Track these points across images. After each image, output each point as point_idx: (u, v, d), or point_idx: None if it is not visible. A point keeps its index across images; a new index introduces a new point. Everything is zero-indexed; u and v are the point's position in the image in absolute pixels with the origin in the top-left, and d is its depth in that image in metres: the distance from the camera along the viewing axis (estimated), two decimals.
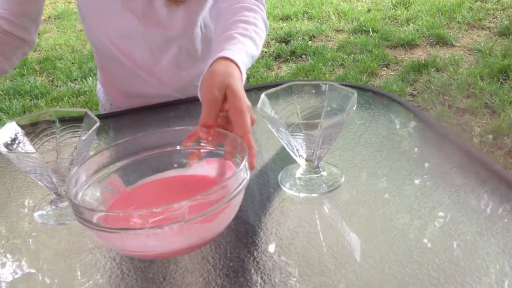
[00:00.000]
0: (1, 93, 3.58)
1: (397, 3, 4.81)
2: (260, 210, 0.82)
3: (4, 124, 0.79)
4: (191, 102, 1.21)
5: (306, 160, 0.84)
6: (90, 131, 0.79)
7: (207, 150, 0.80)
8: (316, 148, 0.81)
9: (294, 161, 0.87)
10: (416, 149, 0.96)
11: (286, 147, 0.84)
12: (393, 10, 4.67)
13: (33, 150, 0.83)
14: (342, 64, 3.75)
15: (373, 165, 0.90)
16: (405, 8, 4.72)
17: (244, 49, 0.93)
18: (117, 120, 1.19)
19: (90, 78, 3.67)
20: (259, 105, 0.82)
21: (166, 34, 1.17)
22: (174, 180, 0.80)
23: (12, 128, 0.83)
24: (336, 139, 0.82)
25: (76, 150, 0.78)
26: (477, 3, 4.69)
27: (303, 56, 3.94)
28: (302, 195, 0.84)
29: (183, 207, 0.60)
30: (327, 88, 0.86)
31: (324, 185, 0.84)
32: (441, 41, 4.00)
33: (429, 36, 4.09)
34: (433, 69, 3.55)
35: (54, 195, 0.84)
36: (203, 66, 1.20)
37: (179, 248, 0.66)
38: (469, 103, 3.08)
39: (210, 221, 0.64)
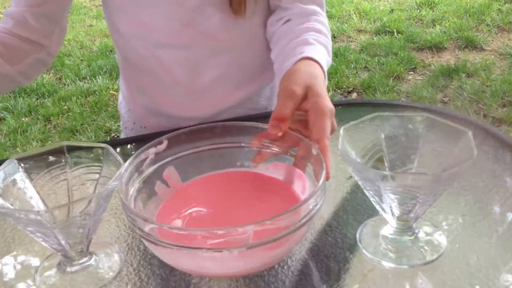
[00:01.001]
0: None
1: (422, 3, 4.58)
2: (331, 276, 0.62)
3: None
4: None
5: (399, 218, 0.63)
6: (111, 181, 0.59)
7: (275, 152, 0.71)
8: (415, 205, 0.60)
9: (377, 212, 0.66)
10: None
11: (372, 199, 0.63)
12: (418, 11, 4.45)
13: (37, 204, 0.63)
14: (366, 67, 3.54)
15: (480, 221, 0.69)
16: (430, 8, 4.49)
17: (324, 54, 0.85)
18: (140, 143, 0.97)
19: (100, 77, 3.47)
20: (340, 146, 0.62)
21: (215, 45, 0.97)
22: (238, 176, 0.73)
23: (11, 169, 0.63)
24: (443, 194, 0.61)
25: (92, 204, 0.57)
26: (506, 5, 4.46)
27: None
28: (390, 265, 0.63)
29: (247, 232, 0.54)
30: (424, 122, 0.65)
31: (421, 253, 0.64)
32: (470, 44, 3.78)
33: (457, 39, 3.87)
34: (464, 75, 3.33)
35: (62, 257, 0.64)
36: (254, 87, 1.04)
37: (235, 273, 0.62)
38: (505, 112, 2.87)
39: (275, 249, 0.57)
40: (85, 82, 3.46)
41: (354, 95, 3.22)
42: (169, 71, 0.98)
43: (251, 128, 0.71)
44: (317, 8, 0.95)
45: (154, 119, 1.07)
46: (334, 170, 0.79)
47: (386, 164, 0.67)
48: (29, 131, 2.89)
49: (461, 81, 3.24)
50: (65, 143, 0.65)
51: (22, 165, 0.64)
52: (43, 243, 0.61)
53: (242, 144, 0.72)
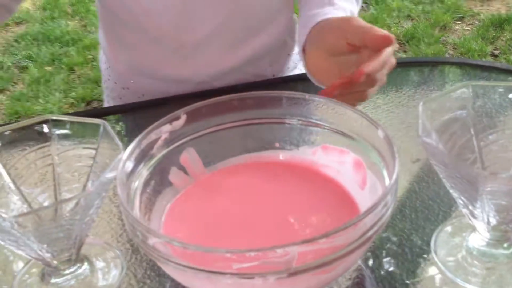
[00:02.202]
0: (30, 38, 3.26)
1: None
2: None
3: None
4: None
5: (495, 228, 0.46)
6: (107, 172, 0.43)
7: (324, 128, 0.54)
8: None
9: (455, 210, 0.50)
10: None
11: (460, 201, 0.46)
12: None
13: (19, 202, 0.48)
14: (409, 16, 3.30)
15: None
16: None
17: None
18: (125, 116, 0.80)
19: None
20: (420, 129, 0.44)
21: None
22: (275, 168, 0.56)
23: None
24: None
25: (80, 204, 0.42)
26: None
27: (363, 6, 3.48)
28: None
29: (290, 254, 0.38)
30: None
31: None
32: None
33: None
34: None
35: (45, 266, 0.49)
36: (257, 46, 0.86)
37: None
38: None
39: (326, 273, 0.42)
40: None
41: (396, 46, 3.00)
42: (154, 19, 0.79)
43: (295, 99, 0.54)
44: None
45: (138, 79, 0.89)
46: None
47: (476, 151, 0.50)
48: (52, 81, 2.78)
49: None
50: (50, 116, 0.50)
51: None
52: (17, 251, 0.46)
53: (285, 120, 0.55)
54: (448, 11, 3.27)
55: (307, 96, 0.54)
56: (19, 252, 0.46)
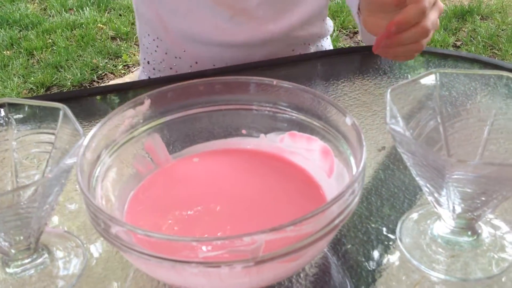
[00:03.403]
0: None
1: None
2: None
3: None
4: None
5: (459, 216, 0.47)
6: (67, 158, 0.41)
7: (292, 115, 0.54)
8: (488, 202, 0.43)
9: (420, 197, 0.50)
10: None
11: (425, 189, 0.46)
12: None
13: None
14: None
15: None
16: None
17: None
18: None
19: (87, 8, 3.22)
20: (388, 116, 0.44)
21: None
22: (242, 156, 0.56)
23: None
24: None
25: (39, 191, 0.40)
26: None
27: None
28: (444, 277, 0.47)
29: (257, 242, 0.37)
30: (500, 84, 0.48)
31: (486, 261, 0.47)
32: None
33: None
34: (478, 17, 3.12)
35: (2, 255, 0.47)
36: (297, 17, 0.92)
37: None
38: None
39: (292, 261, 0.41)
40: (71, 14, 3.22)
41: (359, 36, 3.01)
42: None
43: (263, 85, 0.53)
44: None
45: (192, 47, 0.92)
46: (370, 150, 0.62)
47: (442, 139, 0.50)
48: (10, 66, 2.70)
49: (475, 24, 3.04)
50: (6, 99, 0.48)
51: None
52: None
53: (252, 106, 0.54)
54: None
55: (275, 82, 0.53)
56: None
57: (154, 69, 0.99)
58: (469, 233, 0.49)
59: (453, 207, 0.45)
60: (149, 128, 0.53)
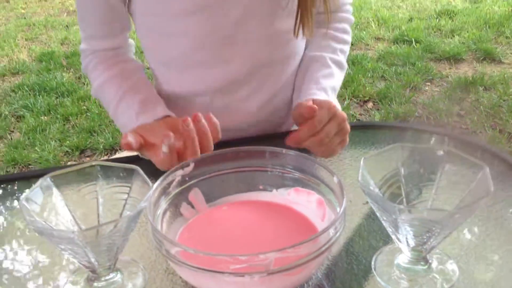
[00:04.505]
0: (27, 88, 3.43)
1: (441, 12, 4.57)
2: None
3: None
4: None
5: (414, 249, 0.65)
6: (142, 203, 0.61)
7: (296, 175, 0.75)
8: (431, 238, 0.62)
9: (392, 239, 0.69)
10: None
11: (389, 229, 0.65)
12: (437, 20, 4.44)
13: (69, 222, 0.66)
14: (383, 76, 3.54)
15: (494, 251, 0.71)
16: (449, 18, 4.49)
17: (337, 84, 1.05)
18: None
19: None
20: (360, 177, 0.64)
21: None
22: (259, 205, 0.76)
23: (46, 186, 0.66)
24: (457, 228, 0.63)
25: (118, 227, 0.60)
26: None
27: None
28: None
29: (269, 259, 0.57)
30: (442, 157, 0.67)
31: (434, 282, 0.66)
32: (489, 57, 3.76)
33: (476, 51, 3.85)
34: (481, 88, 3.32)
35: (89, 273, 0.67)
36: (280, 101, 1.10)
37: None
38: None
39: (295, 274, 0.60)
40: None
41: (370, 104, 3.22)
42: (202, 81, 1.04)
43: (275, 153, 0.75)
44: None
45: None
46: (351, 195, 0.82)
47: (403, 194, 0.69)
48: (47, 130, 2.92)
49: (478, 94, 3.22)
50: (96, 162, 0.68)
51: (55, 182, 0.67)
52: (73, 259, 0.64)
53: (267, 168, 0.75)
54: (419, 73, 3.51)
55: (284, 151, 0.74)
56: (74, 260, 0.63)
57: None
58: (422, 263, 0.67)
59: (407, 241, 0.64)
60: (192, 184, 0.74)
